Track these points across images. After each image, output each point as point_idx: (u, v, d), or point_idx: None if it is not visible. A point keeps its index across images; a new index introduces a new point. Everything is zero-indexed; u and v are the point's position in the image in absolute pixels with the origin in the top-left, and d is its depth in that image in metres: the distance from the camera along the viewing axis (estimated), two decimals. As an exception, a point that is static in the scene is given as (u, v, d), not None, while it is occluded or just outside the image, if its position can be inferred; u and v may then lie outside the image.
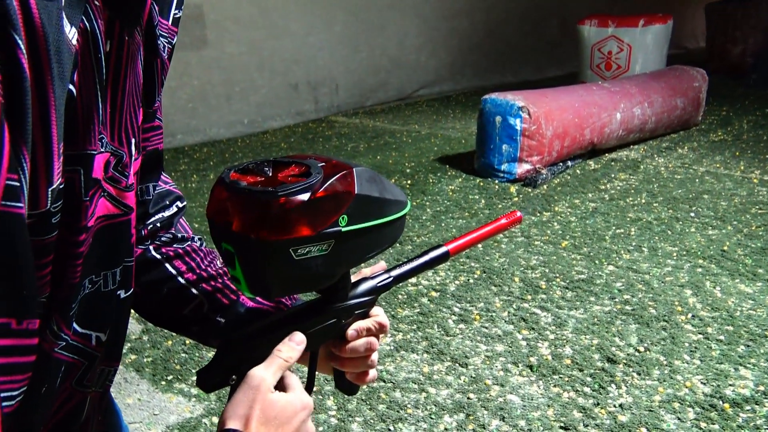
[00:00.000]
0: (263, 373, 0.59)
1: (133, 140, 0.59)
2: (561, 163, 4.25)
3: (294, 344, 0.63)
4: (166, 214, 0.78)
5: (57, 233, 0.46)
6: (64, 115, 0.43)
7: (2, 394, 0.44)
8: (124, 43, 0.53)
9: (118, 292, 0.62)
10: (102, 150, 0.53)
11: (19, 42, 0.38)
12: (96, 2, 0.48)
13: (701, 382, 2.00)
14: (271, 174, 0.59)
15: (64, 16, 0.42)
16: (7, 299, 0.40)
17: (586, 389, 1.99)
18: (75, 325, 0.56)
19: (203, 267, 0.76)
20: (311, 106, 6.26)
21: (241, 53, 5.60)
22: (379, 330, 0.71)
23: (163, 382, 2.09)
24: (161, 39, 0.63)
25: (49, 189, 0.43)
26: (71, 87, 0.45)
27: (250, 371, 0.60)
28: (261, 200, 0.54)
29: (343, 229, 0.58)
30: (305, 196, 0.55)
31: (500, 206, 3.63)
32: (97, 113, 0.50)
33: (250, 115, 5.81)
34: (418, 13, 6.94)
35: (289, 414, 0.59)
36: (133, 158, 0.60)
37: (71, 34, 0.43)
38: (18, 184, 0.39)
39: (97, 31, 0.48)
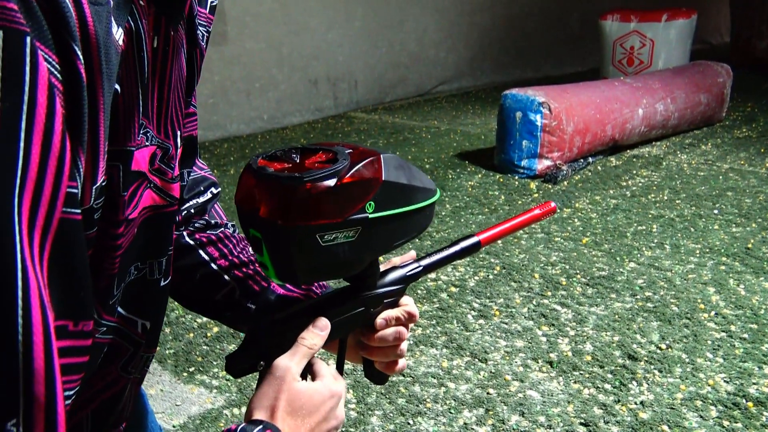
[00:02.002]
0: (288, 363, 0.59)
1: (178, 132, 0.60)
2: (582, 160, 4.21)
3: (318, 331, 0.62)
4: (201, 200, 0.78)
5: (97, 228, 0.47)
6: (110, 115, 0.44)
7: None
8: (170, 38, 0.54)
9: (159, 280, 0.63)
10: (147, 143, 0.54)
11: (78, 51, 0.38)
12: (141, 2, 0.49)
13: (724, 381, 1.97)
14: (298, 161, 0.59)
15: (112, 18, 0.43)
16: (66, 302, 0.41)
17: (607, 386, 1.97)
18: (120, 309, 0.57)
19: (235, 253, 0.77)
20: (330, 102, 6.27)
21: (261, 49, 5.62)
22: (409, 319, 0.71)
23: (185, 374, 2.12)
24: (200, 29, 0.63)
25: (93, 187, 0.44)
26: (116, 86, 0.45)
27: (274, 361, 0.59)
28: (287, 186, 0.54)
29: (370, 216, 0.58)
30: (331, 182, 0.54)
31: (520, 202, 3.61)
32: (137, 111, 0.51)
33: (270, 111, 5.84)
34: (437, 8, 6.91)
35: (316, 402, 0.59)
36: (178, 150, 0.61)
37: (118, 35, 0.44)
38: (76, 191, 0.40)
39: (141, 30, 0.49)
